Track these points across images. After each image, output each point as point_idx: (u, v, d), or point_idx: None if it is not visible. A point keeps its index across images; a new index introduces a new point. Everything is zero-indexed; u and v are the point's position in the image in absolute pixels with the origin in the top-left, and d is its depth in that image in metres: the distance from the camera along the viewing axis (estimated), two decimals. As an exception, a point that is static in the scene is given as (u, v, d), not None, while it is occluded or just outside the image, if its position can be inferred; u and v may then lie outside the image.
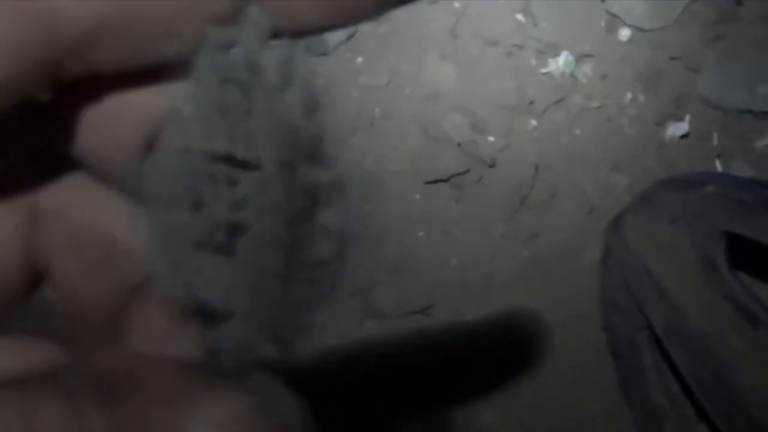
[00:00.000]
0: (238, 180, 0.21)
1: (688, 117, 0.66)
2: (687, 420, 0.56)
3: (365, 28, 0.66)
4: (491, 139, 0.65)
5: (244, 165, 0.20)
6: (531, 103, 0.66)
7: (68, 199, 0.25)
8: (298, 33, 0.22)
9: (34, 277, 0.25)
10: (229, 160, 0.20)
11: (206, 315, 0.21)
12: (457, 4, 0.67)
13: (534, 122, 0.66)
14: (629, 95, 0.66)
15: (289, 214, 0.21)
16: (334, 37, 0.65)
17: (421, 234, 0.64)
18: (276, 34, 0.21)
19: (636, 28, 0.67)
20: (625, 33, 0.67)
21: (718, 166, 0.65)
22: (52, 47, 0.20)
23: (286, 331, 0.21)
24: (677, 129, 0.66)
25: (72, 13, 0.20)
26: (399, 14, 0.66)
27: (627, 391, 0.59)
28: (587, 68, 0.67)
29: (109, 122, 0.22)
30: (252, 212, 0.21)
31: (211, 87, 0.20)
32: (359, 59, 0.66)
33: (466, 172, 0.65)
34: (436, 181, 0.65)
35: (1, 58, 0.19)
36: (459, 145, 0.64)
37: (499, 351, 0.63)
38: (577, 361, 0.61)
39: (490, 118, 0.65)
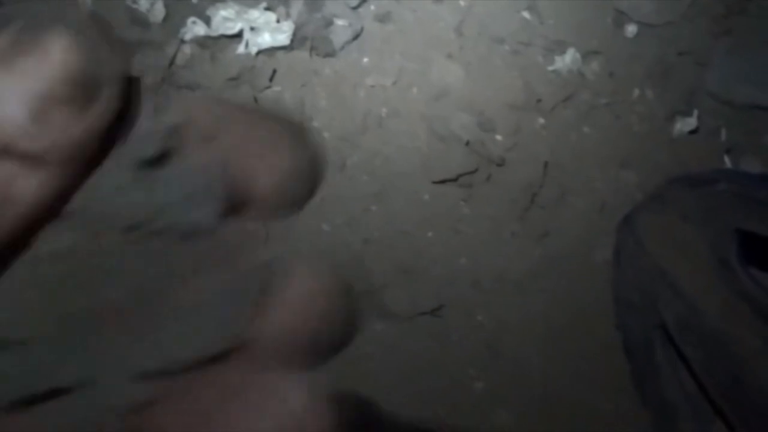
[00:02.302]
0: None
1: (696, 112, 0.65)
2: (702, 417, 0.56)
3: (371, 27, 0.66)
4: (499, 137, 0.65)
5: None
6: (539, 101, 0.65)
7: None
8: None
9: None
10: None
11: None
12: (462, 3, 0.66)
13: (542, 120, 0.65)
14: (637, 92, 0.66)
15: (92, 268, 0.21)
16: (340, 37, 0.65)
17: (430, 234, 0.64)
18: None
19: (643, 24, 0.66)
20: (632, 29, 0.67)
21: (727, 162, 0.65)
22: None
23: None
24: (686, 125, 0.65)
25: None
26: (405, 14, 0.66)
27: (641, 389, 0.59)
28: (595, 65, 0.66)
29: None
30: (39, 254, 0.21)
31: None
32: (366, 59, 0.66)
33: (475, 171, 0.64)
34: (444, 181, 0.64)
35: None
36: (467, 144, 0.64)
37: (510, 349, 0.63)
38: (591, 359, 0.61)
39: (498, 117, 0.65)
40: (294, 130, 0.22)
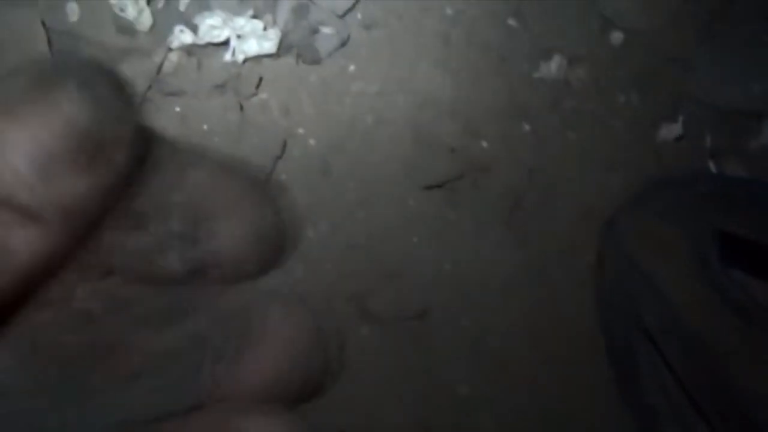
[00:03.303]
0: None
1: (681, 118, 0.65)
2: (685, 419, 0.56)
3: (358, 35, 0.66)
4: (485, 144, 0.65)
5: None
6: (524, 107, 0.66)
7: None
8: None
9: None
10: None
11: None
12: (449, 11, 0.67)
13: (528, 126, 0.66)
14: (622, 97, 0.66)
15: (66, 316, 0.21)
16: (327, 44, 0.66)
17: (416, 239, 0.64)
18: None
19: (628, 31, 0.67)
20: (617, 36, 0.67)
21: (712, 167, 0.65)
22: None
23: None
24: (671, 130, 0.65)
25: None
26: (391, 22, 0.67)
27: (624, 392, 0.59)
28: (580, 71, 0.67)
29: None
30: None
31: None
32: (352, 67, 0.66)
33: (461, 177, 0.65)
34: (430, 187, 0.65)
35: None
36: (453, 150, 0.65)
37: (498, 354, 0.63)
38: (574, 363, 0.61)
39: (484, 124, 0.65)
40: (258, 191, 0.22)
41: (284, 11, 0.66)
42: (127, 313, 0.21)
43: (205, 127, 0.64)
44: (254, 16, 0.65)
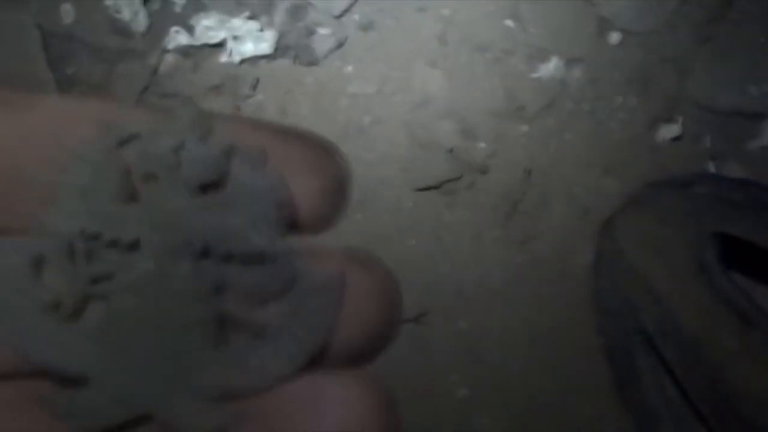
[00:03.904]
0: (102, 257, 0.22)
1: (680, 119, 0.65)
2: (684, 422, 0.55)
3: (354, 36, 0.66)
4: (482, 145, 0.65)
5: (115, 245, 0.22)
6: (521, 108, 0.66)
7: None
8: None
9: None
10: (96, 238, 0.22)
11: (58, 378, 0.22)
12: (445, 12, 0.67)
13: (525, 127, 0.65)
14: (620, 98, 0.66)
15: (167, 296, 0.22)
16: (323, 45, 0.65)
17: (413, 242, 0.64)
18: (206, 136, 0.23)
19: (626, 32, 0.66)
20: (615, 36, 0.67)
21: (712, 168, 0.65)
22: None
23: (174, 405, 0.22)
24: (669, 131, 0.65)
25: None
26: (388, 22, 0.66)
27: (623, 394, 0.58)
28: (577, 72, 0.66)
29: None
30: (113, 288, 0.22)
31: (92, 171, 0.22)
32: (349, 68, 0.66)
33: (458, 178, 0.64)
34: (427, 188, 0.64)
35: None
36: (450, 151, 0.64)
37: (492, 356, 0.62)
38: (572, 365, 0.61)
39: (481, 124, 0.65)
40: (324, 150, 0.23)
41: (281, 12, 0.65)
42: (227, 291, 0.22)
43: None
44: (250, 17, 0.65)
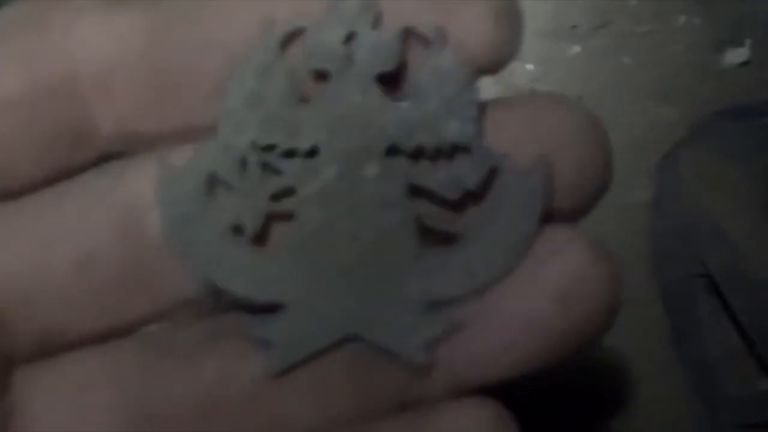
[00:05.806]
0: (279, 170, 0.21)
1: (748, 42, 0.62)
2: (746, 374, 0.53)
3: None
4: (529, 67, 0.62)
5: (292, 154, 0.21)
6: (573, 27, 0.62)
7: None
8: None
9: None
10: (271, 149, 0.21)
11: (251, 307, 0.21)
12: None
13: (576, 48, 0.62)
14: (683, 18, 0.62)
15: (358, 203, 0.21)
16: None
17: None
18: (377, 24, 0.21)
19: (691, -56, 0.63)
20: (678, -51, 0.63)
21: (781, 97, 0.61)
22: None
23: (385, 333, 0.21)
24: (736, 55, 0.62)
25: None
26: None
27: (680, 344, 0.56)
28: (636, -12, 0.63)
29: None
30: (297, 203, 0.21)
31: (258, 75, 0.21)
32: None
33: (503, 103, 0.61)
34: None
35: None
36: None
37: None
38: (626, 311, 0.57)
39: (528, 44, 0.60)
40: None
41: None
42: (420, 191, 0.21)
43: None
44: None
